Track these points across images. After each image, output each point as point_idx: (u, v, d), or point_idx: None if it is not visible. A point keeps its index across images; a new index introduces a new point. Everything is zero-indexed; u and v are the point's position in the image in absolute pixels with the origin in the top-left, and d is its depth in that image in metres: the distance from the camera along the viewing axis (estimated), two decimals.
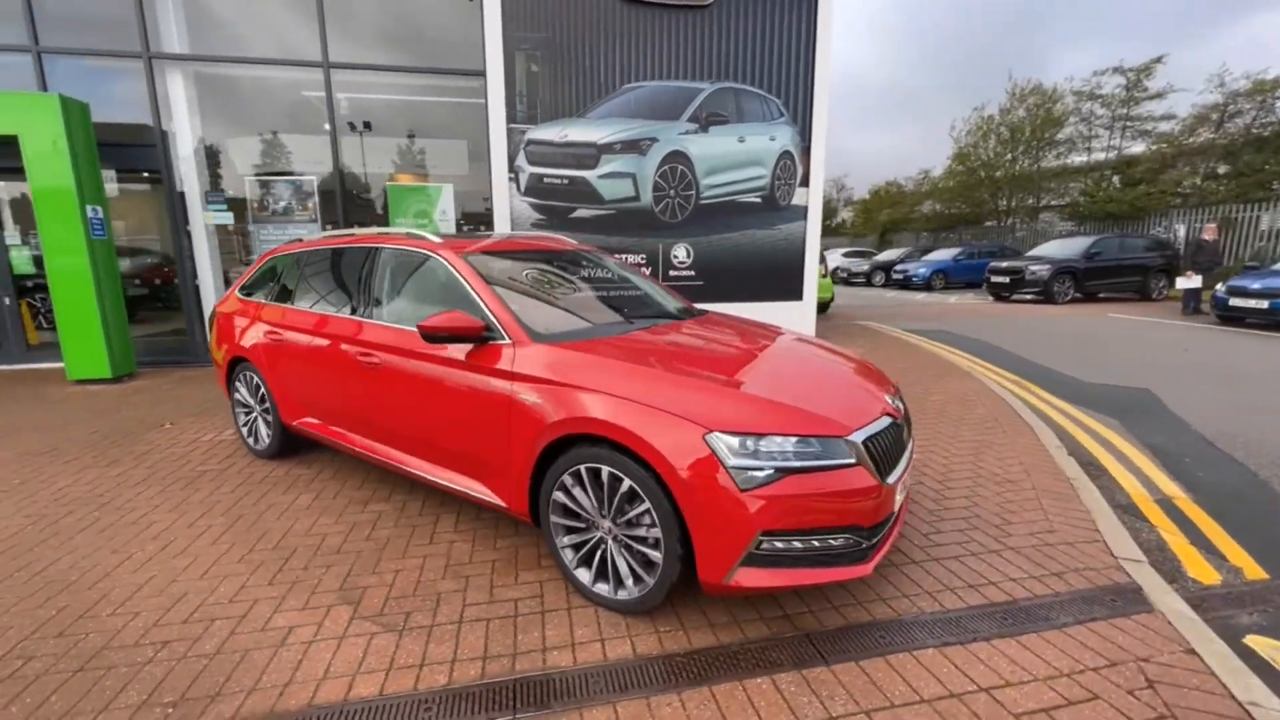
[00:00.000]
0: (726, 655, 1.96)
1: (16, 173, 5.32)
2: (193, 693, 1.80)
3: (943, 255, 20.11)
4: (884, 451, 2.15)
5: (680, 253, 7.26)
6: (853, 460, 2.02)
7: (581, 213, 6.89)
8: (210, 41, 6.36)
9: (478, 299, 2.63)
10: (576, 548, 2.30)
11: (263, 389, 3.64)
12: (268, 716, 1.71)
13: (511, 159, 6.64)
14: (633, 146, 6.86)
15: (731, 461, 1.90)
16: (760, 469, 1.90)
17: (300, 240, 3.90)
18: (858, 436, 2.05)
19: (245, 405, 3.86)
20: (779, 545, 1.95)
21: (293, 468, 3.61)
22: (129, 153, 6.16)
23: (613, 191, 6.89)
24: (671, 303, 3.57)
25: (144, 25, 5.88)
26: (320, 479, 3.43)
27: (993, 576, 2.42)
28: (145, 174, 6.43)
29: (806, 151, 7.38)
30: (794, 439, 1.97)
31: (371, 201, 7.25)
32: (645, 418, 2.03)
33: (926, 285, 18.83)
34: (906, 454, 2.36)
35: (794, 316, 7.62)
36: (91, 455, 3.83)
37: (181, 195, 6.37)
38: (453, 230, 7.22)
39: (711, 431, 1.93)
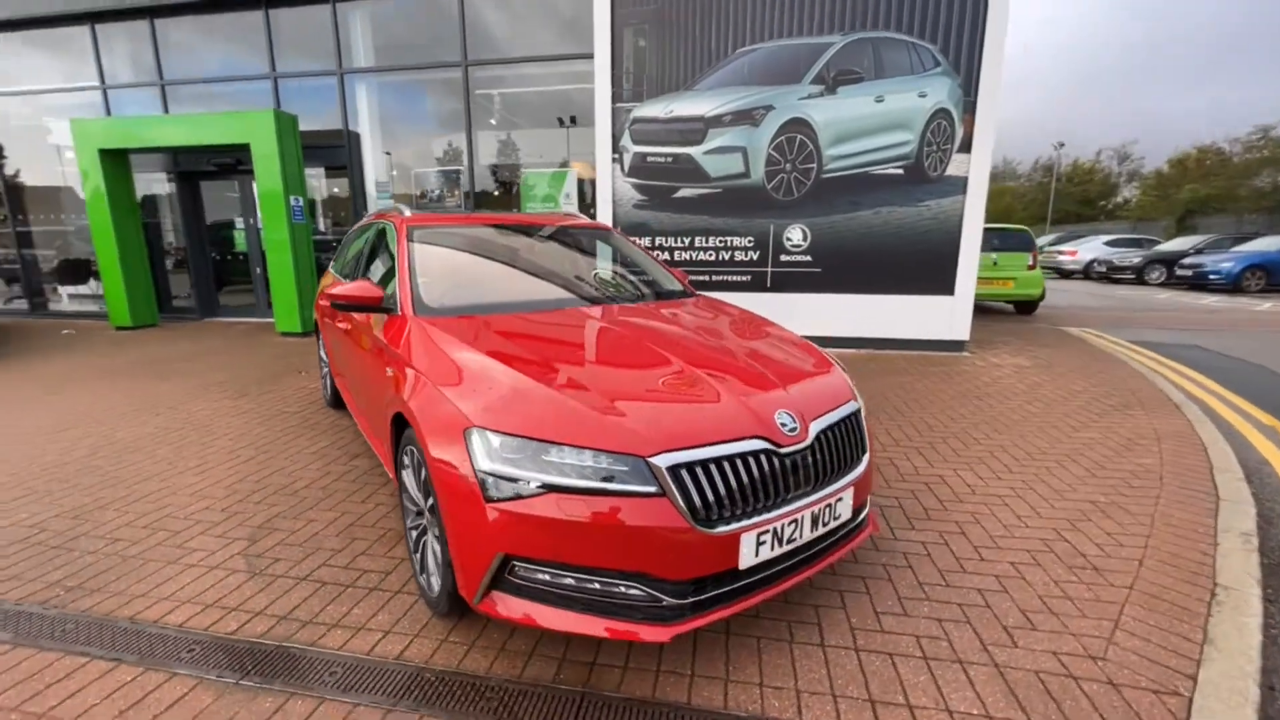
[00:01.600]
0: (474, 689, 1.68)
1: (249, 172, 7.03)
2: (92, 584, 2.18)
3: (1267, 245, 14.48)
4: (730, 487, 1.60)
5: (794, 235, 6.44)
6: (652, 489, 1.54)
7: (685, 192, 6.55)
8: (384, 55, 7.53)
9: (401, 270, 2.65)
10: (415, 529, 2.20)
11: (321, 349, 4.25)
12: (105, 618, 1.98)
13: (616, 139, 6.59)
14: (744, 117, 6.25)
15: (482, 464, 1.59)
16: (518, 479, 1.56)
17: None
18: (662, 460, 1.56)
19: (322, 361, 4.56)
20: (543, 576, 1.59)
21: (339, 418, 4.15)
22: (328, 153, 7.66)
23: (720, 168, 6.40)
24: (653, 284, 3.19)
25: (339, 47, 7.22)
26: (350, 429, 3.88)
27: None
28: (339, 169, 7.93)
29: (971, 108, 5.89)
30: (569, 449, 1.58)
31: (508, 187, 7.90)
32: (431, 402, 1.82)
33: (1234, 285, 13.74)
34: (803, 500, 1.73)
35: (939, 316, 6.24)
36: (237, 390, 4.91)
37: (363, 186, 7.74)
38: (574, 211, 7.48)
39: (473, 426, 1.65)
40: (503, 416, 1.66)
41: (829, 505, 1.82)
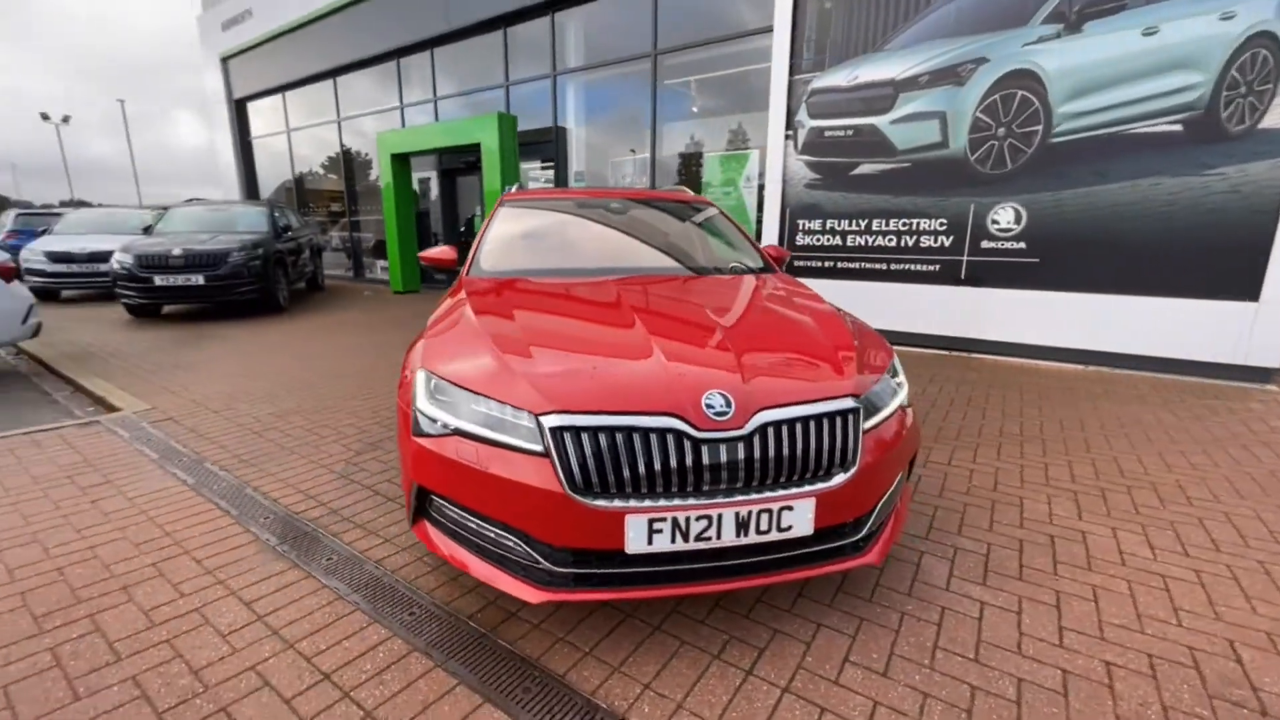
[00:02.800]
0: (405, 599, 1.84)
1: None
2: (252, 460, 2.98)
3: None
4: (619, 461, 1.47)
5: (1003, 216, 5.22)
6: (538, 448, 1.51)
7: (865, 169, 5.81)
8: (588, 54, 8.23)
9: (478, 237, 2.96)
10: None
11: None
12: (240, 482, 2.70)
13: (791, 114, 6.15)
14: (945, 75, 5.26)
15: (418, 402, 1.74)
16: (437, 420, 1.68)
17: None
18: (551, 420, 1.50)
19: None
20: (452, 514, 1.69)
21: None
22: (541, 147, 8.74)
23: (910, 138, 5.51)
24: (725, 259, 2.96)
25: (554, 52, 8.15)
26: None
27: None
28: (549, 162, 8.97)
29: None
30: (486, 400, 1.63)
31: (696, 171, 7.99)
32: (414, 347, 2.03)
33: None
34: (726, 497, 1.49)
35: (1226, 330, 4.46)
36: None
37: (567, 176, 8.66)
38: (752, 194, 7.24)
39: (421, 368, 1.80)
40: (446, 364, 1.78)
41: (768, 512, 1.52)
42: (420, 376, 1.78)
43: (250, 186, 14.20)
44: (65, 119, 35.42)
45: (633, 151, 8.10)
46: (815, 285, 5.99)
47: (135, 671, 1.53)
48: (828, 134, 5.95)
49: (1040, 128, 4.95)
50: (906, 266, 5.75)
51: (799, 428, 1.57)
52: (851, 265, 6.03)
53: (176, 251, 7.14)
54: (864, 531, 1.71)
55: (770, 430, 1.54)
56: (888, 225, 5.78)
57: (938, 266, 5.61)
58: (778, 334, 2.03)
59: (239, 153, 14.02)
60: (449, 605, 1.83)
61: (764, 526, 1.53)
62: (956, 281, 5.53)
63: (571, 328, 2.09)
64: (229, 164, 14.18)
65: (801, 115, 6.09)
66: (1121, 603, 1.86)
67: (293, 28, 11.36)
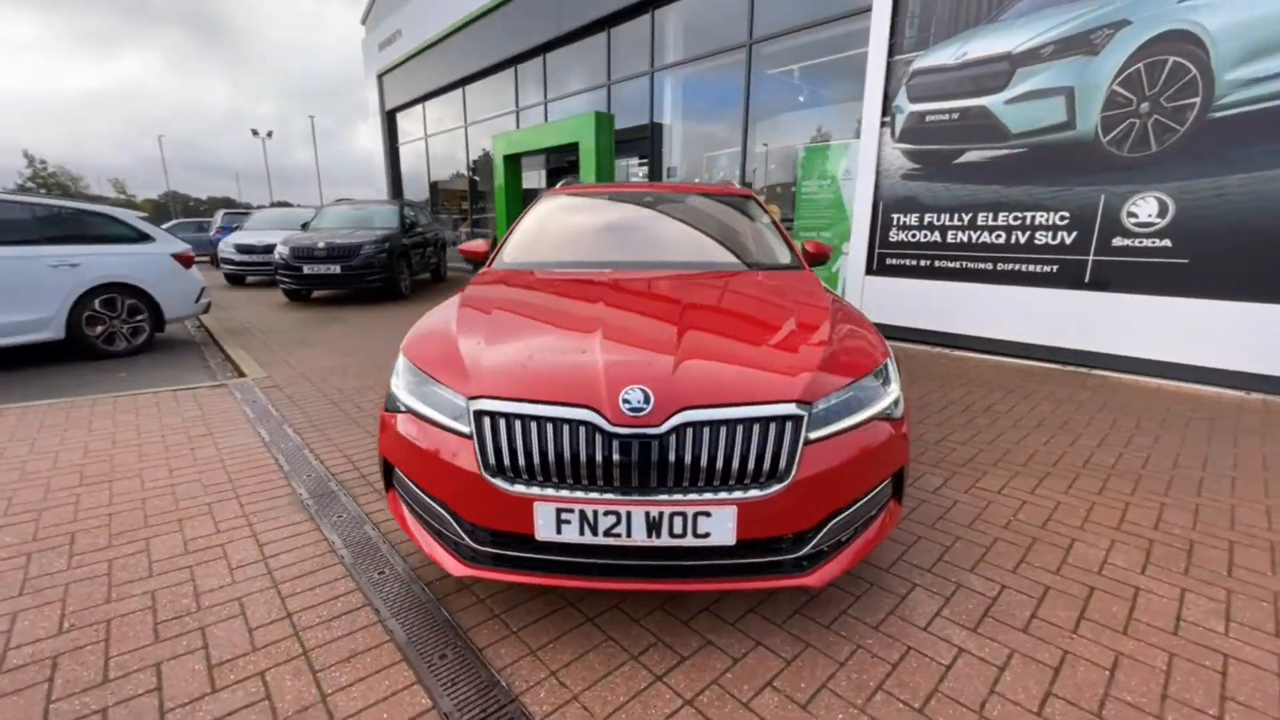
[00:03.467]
0: (373, 547, 2.02)
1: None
2: (320, 427, 3.41)
3: None
4: (530, 449, 1.50)
5: (1144, 209, 4.39)
6: (466, 430, 1.59)
7: (972, 156, 5.19)
8: (685, 48, 8.17)
9: (509, 230, 3.12)
10: None
11: None
12: (301, 444, 3.11)
13: (889, 99, 5.65)
14: (1075, 44, 4.52)
15: (393, 380, 1.90)
16: (399, 399, 1.82)
17: None
18: (477, 404, 1.57)
19: None
20: (406, 486, 1.83)
21: None
22: (638, 144, 8.87)
23: (1027, 120, 4.82)
24: (750, 254, 2.84)
25: (652, 48, 8.22)
26: None
27: None
28: (645, 158, 9.07)
29: None
30: (424, 377, 1.75)
31: (791, 163, 7.66)
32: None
33: None
34: (635, 495, 1.46)
35: None
36: None
37: (662, 172, 8.71)
38: (851, 187, 6.78)
39: (401, 351, 1.96)
40: (417, 349, 1.92)
41: (682, 516, 1.46)
42: (401, 359, 1.93)
43: (396, 187, 16.04)
44: (269, 134, 42.52)
45: (725, 147, 7.94)
46: (909, 287, 5.50)
47: (156, 587, 1.86)
48: (929, 119, 5.39)
49: (1197, 100, 4.08)
50: (1016, 267, 5.05)
51: (723, 431, 1.48)
52: (951, 265, 5.42)
53: (320, 244, 8.30)
54: (806, 550, 1.57)
55: (689, 431, 1.47)
56: (995, 219, 5.11)
57: (1055, 267, 4.86)
58: (743, 333, 1.91)
59: (388, 158, 15.89)
60: (415, 570, 1.98)
61: (678, 530, 1.47)
62: (1078, 285, 4.75)
63: (540, 318, 2.12)
64: (380, 168, 16.13)
65: (900, 99, 5.57)
66: (1150, 679, 1.52)
67: (430, 44, 12.62)
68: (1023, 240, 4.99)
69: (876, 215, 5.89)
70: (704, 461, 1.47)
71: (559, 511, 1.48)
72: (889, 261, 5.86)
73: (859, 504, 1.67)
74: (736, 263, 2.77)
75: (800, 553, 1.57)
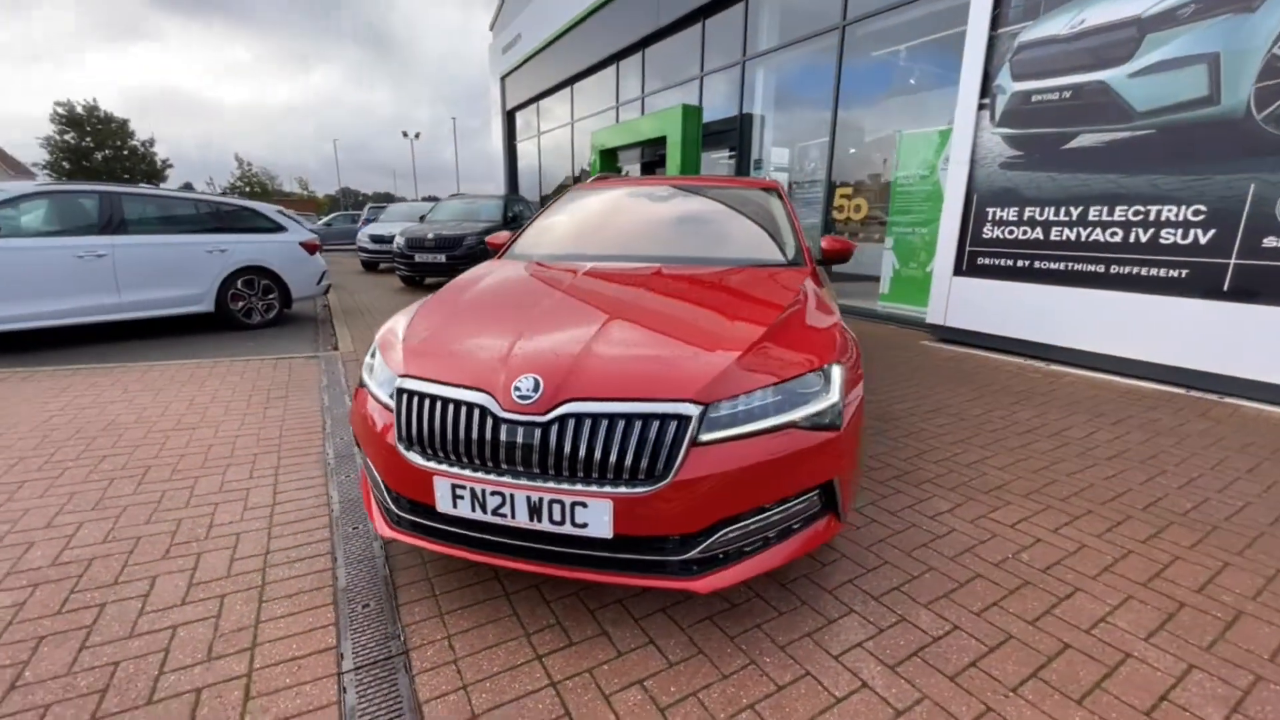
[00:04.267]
0: (358, 514, 2.26)
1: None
2: None
3: None
4: (434, 426, 1.62)
5: None
6: (388, 401, 1.76)
7: (1085, 140, 4.48)
8: (777, 34, 7.83)
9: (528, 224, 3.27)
10: None
11: None
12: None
13: (988, 79, 5.03)
14: (1225, 1, 3.72)
15: (366, 359, 2.12)
16: (362, 376, 2.03)
17: None
18: (400, 382, 1.72)
19: None
20: (359, 452, 2.03)
21: None
22: (727, 136, 8.71)
23: (1157, 95, 4.07)
24: (755, 250, 2.72)
25: (745, 37, 8.00)
26: None
27: None
28: (734, 151, 8.87)
29: None
30: (379, 356, 1.93)
31: (886, 152, 7.12)
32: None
33: None
34: (519, 479, 1.53)
35: None
36: None
37: (749, 164, 8.49)
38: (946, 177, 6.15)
39: (376, 335, 2.17)
40: (385, 331, 2.11)
41: (560, 504, 1.49)
42: (375, 343, 2.15)
43: (512, 183, 17.18)
44: (417, 135, 47.36)
45: (815, 137, 7.54)
46: (1002, 290, 4.91)
47: (184, 516, 2.25)
48: (1036, 98, 4.73)
49: None
50: (1134, 270, 4.30)
51: (604, 424, 1.49)
52: (1054, 266, 4.74)
53: (430, 235, 9.17)
54: (693, 554, 1.53)
55: (571, 422, 1.50)
56: (1110, 214, 4.38)
57: (1184, 272, 4.07)
58: (674, 329, 1.86)
59: (506, 155, 17.05)
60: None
61: (557, 518, 1.51)
62: (1213, 294, 3.94)
63: (496, 307, 2.19)
64: (500, 164, 17.37)
65: (1002, 78, 4.94)
66: None
67: (544, 46, 13.31)
68: (1143, 239, 4.23)
69: (969, 209, 5.29)
70: (583, 453, 1.49)
71: (454, 487, 1.58)
72: (981, 261, 5.25)
73: (767, 514, 1.59)
74: (728, 259, 2.67)
75: (686, 555, 1.53)
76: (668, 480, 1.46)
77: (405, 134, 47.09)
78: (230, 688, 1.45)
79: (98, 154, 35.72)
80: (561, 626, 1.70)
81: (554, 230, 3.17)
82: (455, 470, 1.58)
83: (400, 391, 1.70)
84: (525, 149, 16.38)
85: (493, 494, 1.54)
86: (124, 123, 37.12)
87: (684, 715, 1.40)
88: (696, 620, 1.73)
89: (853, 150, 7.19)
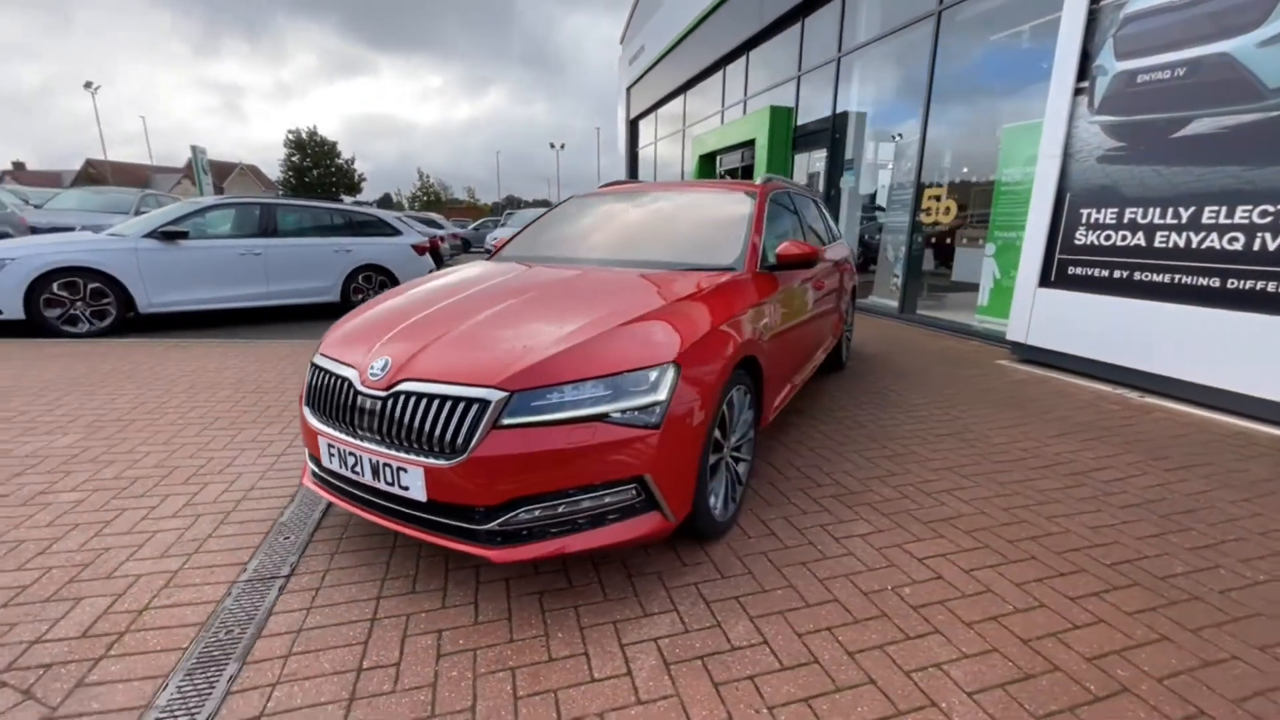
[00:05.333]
0: None
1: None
2: None
3: None
4: (316, 392, 1.99)
5: None
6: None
7: (1200, 125, 3.70)
8: (881, 24, 7.30)
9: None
10: None
11: None
12: None
13: (1087, 59, 4.32)
14: None
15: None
16: None
17: None
18: (314, 357, 2.11)
19: None
20: None
21: None
22: (819, 136, 8.33)
23: None
24: (698, 256, 2.73)
25: (841, 33, 7.62)
26: None
27: None
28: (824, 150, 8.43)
29: None
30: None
31: (989, 148, 6.37)
32: None
33: None
34: (368, 443, 1.82)
35: None
36: None
37: (840, 166, 8.06)
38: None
39: None
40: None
41: (390, 467, 1.76)
42: None
43: None
44: (563, 146, 51.04)
45: (898, 137, 6.96)
46: (1095, 305, 4.30)
47: (212, 457, 2.89)
48: (1143, 79, 4.00)
49: None
50: (1257, 285, 3.48)
51: (424, 403, 1.72)
52: (1159, 279, 3.98)
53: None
54: (493, 525, 1.70)
55: (403, 398, 1.75)
56: (1230, 215, 3.58)
57: None
58: (534, 323, 1.99)
59: (628, 162, 17.80)
60: None
61: (389, 479, 1.77)
62: None
63: (415, 300, 2.41)
64: (620, 171, 18.18)
65: (1103, 57, 4.24)
66: None
67: (662, 56, 13.71)
68: (1271, 246, 3.39)
69: (1060, 210, 4.60)
70: (406, 424, 1.73)
71: (329, 445, 1.92)
72: (1071, 271, 4.54)
73: (573, 500, 1.70)
74: (664, 262, 2.71)
75: (488, 526, 1.71)
76: (465, 456, 1.65)
77: (552, 145, 51.05)
78: (159, 579, 1.92)
79: (314, 171, 43.69)
80: (412, 577, 1.96)
81: (535, 233, 3.44)
82: (330, 431, 1.91)
83: (311, 364, 2.08)
84: (645, 156, 16.97)
85: (349, 454, 1.85)
86: (334, 144, 45.03)
87: (453, 663, 1.58)
88: (527, 592, 1.89)
89: (947, 147, 6.52)
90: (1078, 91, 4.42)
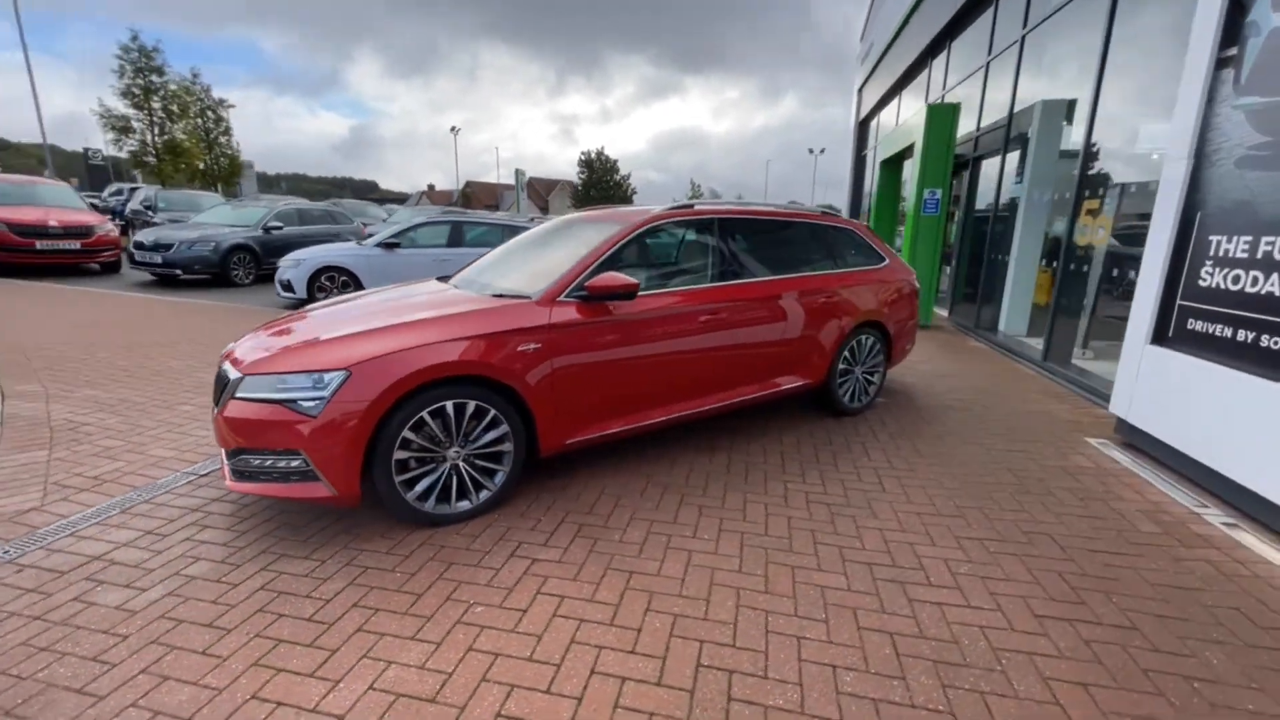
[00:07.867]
0: None
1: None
2: None
3: None
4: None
5: None
6: None
7: None
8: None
9: None
10: None
11: None
12: None
13: (1238, 14, 2.88)
14: None
15: None
16: None
17: None
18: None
19: None
20: None
21: None
22: (994, 137, 6.77)
23: None
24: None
25: (992, 33, 6.10)
26: None
27: None
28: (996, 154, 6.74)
29: None
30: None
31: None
32: None
33: None
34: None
35: None
36: None
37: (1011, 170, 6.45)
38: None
39: None
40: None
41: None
42: None
43: (856, 194, 16.53)
44: (822, 150, 49.37)
45: (1072, 133, 5.24)
46: (1221, 379, 2.89)
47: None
48: None
49: None
50: None
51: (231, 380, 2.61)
52: None
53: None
54: (234, 462, 2.48)
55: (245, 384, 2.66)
56: None
57: None
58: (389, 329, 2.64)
59: (854, 166, 16.50)
60: None
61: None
62: None
63: (363, 313, 3.34)
64: (844, 177, 16.97)
65: (1259, 10, 2.82)
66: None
67: (883, 53, 12.45)
68: None
69: (1186, 236, 3.20)
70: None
71: (217, 420, 2.96)
72: (1192, 325, 3.12)
73: (262, 458, 2.39)
74: (511, 290, 3.01)
75: (233, 465, 2.51)
76: (217, 410, 2.49)
77: (810, 150, 49.34)
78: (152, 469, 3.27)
79: (598, 186, 51.51)
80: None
81: (510, 259, 3.97)
82: None
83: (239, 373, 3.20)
84: (869, 161, 15.53)
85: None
86: (614, 162, 52.53)
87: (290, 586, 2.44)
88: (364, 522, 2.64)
89: (1118, 146, 4.74)
90: (1220, 63, 2.99)
